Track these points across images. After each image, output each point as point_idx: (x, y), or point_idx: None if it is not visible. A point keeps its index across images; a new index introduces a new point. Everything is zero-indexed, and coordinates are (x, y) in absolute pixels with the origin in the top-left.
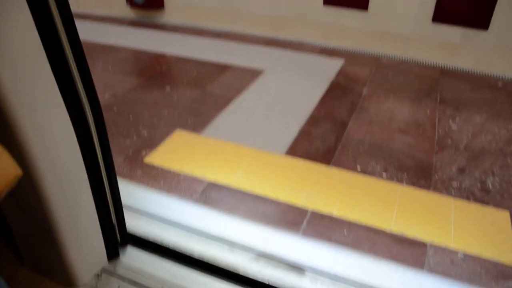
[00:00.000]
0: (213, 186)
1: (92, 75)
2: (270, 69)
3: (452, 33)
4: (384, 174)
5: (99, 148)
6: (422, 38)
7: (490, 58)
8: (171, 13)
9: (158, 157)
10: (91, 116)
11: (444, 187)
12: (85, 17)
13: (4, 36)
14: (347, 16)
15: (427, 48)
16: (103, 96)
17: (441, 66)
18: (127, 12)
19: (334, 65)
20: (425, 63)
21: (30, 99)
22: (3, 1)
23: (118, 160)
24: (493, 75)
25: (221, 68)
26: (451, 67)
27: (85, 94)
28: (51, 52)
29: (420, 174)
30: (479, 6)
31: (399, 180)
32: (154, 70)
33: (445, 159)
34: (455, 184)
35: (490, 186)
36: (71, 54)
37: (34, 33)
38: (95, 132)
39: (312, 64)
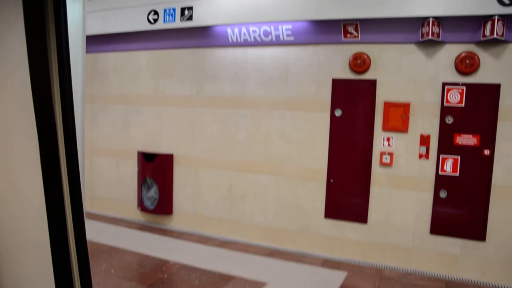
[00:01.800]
0: None
1: (94, 277)
2: (273, 282)
3: (452, 244)
4: None
5: None
6: (422, 250)
7: (494, 269)
8: (178, 220)
9: None
10: None
11: None
12: (96, 217)
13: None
14: (348, 229)
15: (428, 259)
16: None
17: (446, 278)
18: (137, 216)
19: (337, 278)
20: (429, 275)
21: None
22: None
23: None
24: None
25: (224, 279)
26: (455, 279)
27: None
28: (56, 254)
29: None
30: (473, 218)
31: None
32: (156, 277)
33: None
34: None
35: None
36: (76, 258)
37: (46, 241)
38: None
39: (314, 277)
